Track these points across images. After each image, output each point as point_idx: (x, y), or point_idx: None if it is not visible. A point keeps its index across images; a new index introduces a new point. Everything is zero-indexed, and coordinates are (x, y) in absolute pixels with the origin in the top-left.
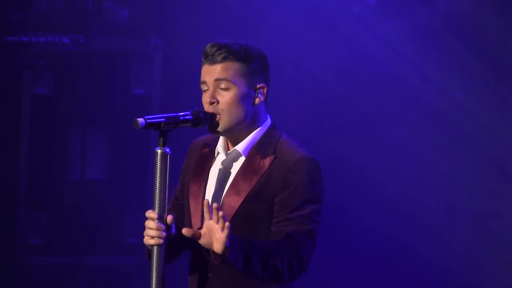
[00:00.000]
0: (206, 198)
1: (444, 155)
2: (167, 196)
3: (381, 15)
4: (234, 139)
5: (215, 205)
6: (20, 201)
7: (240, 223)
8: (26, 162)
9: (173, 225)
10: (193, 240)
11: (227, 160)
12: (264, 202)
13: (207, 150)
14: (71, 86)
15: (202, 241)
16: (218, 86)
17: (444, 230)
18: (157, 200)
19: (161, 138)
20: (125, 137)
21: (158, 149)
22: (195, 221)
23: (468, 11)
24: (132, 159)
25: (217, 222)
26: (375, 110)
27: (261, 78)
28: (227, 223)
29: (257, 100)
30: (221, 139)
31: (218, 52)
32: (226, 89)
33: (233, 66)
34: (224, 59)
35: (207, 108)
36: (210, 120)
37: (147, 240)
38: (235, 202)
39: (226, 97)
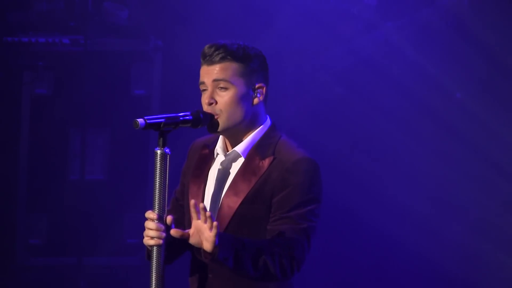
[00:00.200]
0: (205, 199)
1: (444, 155)
2: (167, 196)
3: (382, 15)
4: (233, 140)
5: (201, 205)
6: (20, 201)
7: (239, 224)
8: (26, 162)
9: (173, 226)
10: None
11: (226, 161)
12: (262, 202)
13: (206, 151)
14: (70, 87)
15: (191, 241)
16: (217, 87)
17: (444, 230)
18: (156, 200)
19: (161, 139)
20: (125, 138)
21: (158, 149)
22: None
23: (468, 11)
24: (132, 160)
25: (205, 222)
26: (375, 110)
27: (260, 78)
28: (215, 223)
29: (256, 100)
30: (220, 140)
31: (216, 52)
32: (225, 89)
33: (231, 66)
34: (222, 59)
35: (206, 108)
36: (210, 121)
37: (147, 241)
38: (234, 202)
39: (224, 98)
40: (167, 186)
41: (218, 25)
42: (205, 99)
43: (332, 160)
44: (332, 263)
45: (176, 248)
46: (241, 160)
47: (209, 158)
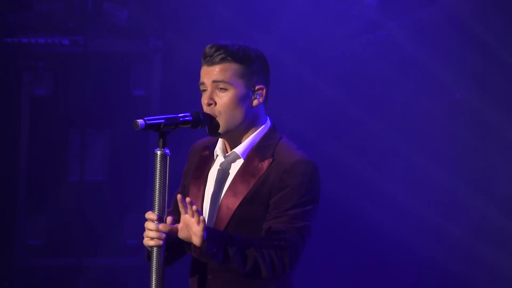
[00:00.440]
0: (205, 200)
1: (444, 155)
2: (167, 197)
3: (382, 16)
4: (232, 141)
5: (188, 199)
6: (20, 202)
7: (238, 225)
8: (26, 163)
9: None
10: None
11: (225, 162)
12: (261, 203)
13: (207, 152)
14: (70, 87)
15: (180, 235)
16: (216, 87)
17: (444, 229)
18: (156, 201)
19: (161, 139)
20: (124, 138)
21: (158, 150)
22: None
23: (469, 10)
24: (131, 161)
25: (193, 216)
26: (375, 111)
27: (260, 79)
28: (201, 217)
29: (255, 102)
30: (220, 142)
31: (217, 53)
32: (224, 90)
33: (231, 67)
34: (222, 60)
35: (206, 109)
36: (210, 123)
37: (147, 242)
38: (232, 203)
39: (223, 99)
40: (167, 187)
41: (217, 26)
42: (204, 99)
43: (332, 160)
44: (332, 264)
45: (177, 249)
46: (240, 161)
47: (209, 159)
